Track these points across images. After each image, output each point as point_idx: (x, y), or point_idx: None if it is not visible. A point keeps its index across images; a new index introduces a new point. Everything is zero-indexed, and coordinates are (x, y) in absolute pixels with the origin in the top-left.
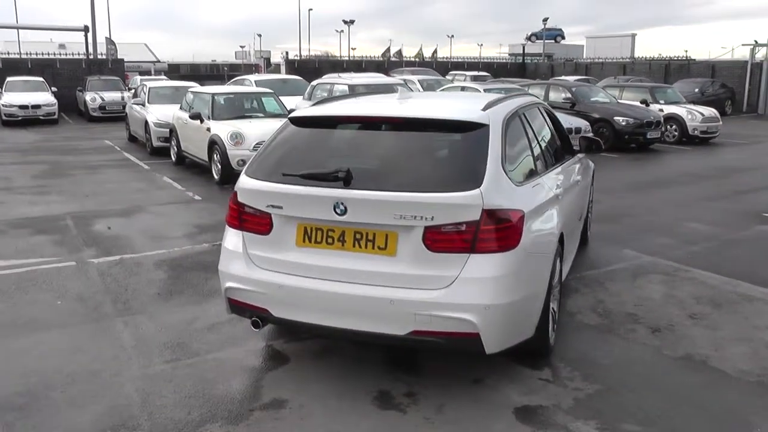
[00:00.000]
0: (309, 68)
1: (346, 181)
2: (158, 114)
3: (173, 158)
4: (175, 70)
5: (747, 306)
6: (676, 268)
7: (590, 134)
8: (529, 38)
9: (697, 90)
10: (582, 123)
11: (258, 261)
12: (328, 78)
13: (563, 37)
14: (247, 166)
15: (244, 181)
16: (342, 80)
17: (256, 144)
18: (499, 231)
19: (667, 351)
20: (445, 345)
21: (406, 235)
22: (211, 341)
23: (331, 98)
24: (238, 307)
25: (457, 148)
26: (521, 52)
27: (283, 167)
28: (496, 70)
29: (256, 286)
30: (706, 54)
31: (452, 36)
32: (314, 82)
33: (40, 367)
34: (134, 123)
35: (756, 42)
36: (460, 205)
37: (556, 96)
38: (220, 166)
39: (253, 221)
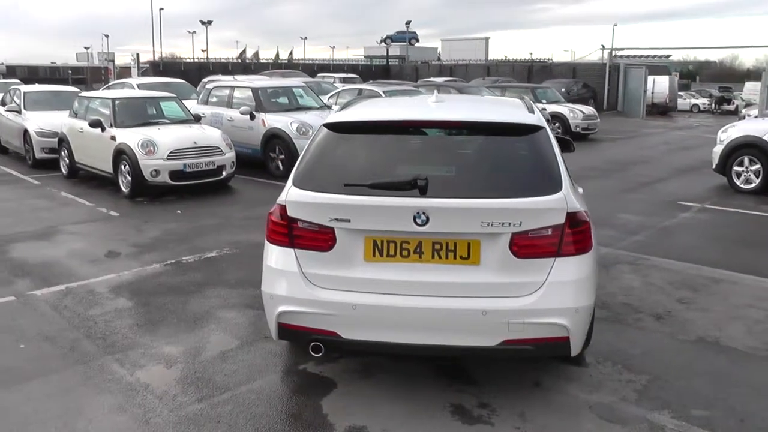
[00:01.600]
0: (174, 71)
1: (422, 190)
2: (40, 122)
3: (64, 171)
4: (11, 73)
5: (718, 287)
6: (635, 257)
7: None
8: (384, 41)
9: (563, 90)
10: None
11: (318, 281)
12: (226, 81)
13: (417, 40)
14: (293, 177)
15: (296, 194)
16: (243, 84)
17: (171, 153)
18: (579, 234)
19: (681, 336)
20: (533, 352)
21: (491, 242)
22: (233, 372)
23: (353, 102)
24: (292, 332)
25: (526, 151)
26: (377, 54)
27: (341, 177)
28: (361, 72)
29: (322, 308)
30: (548, 56)
31: (306, 38)
32: (210, 86)
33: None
34: (7, 132)
35: (603, 46)
36: (548, 209)
37: None
38: (129, 178)
39: (310, 237)
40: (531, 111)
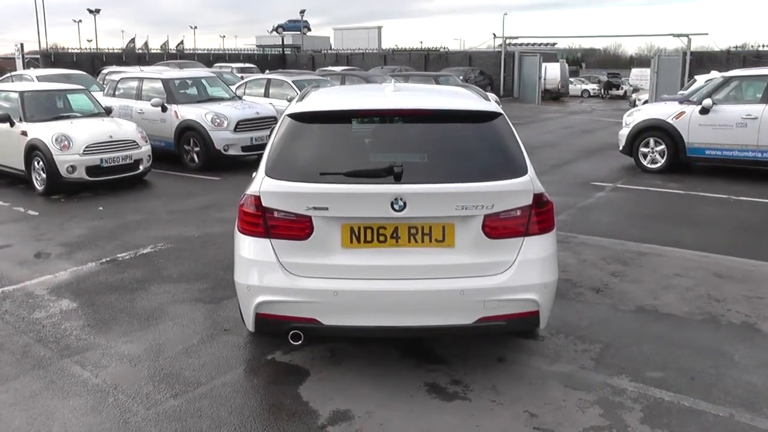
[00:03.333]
0: (66, 62)
1: (398, 177)
2: None
3: None
4: None
5: (646, 260)
6: (563, 236)
7: None
8: (276, 30)
9: (461, 77)
10: None
11: (296, 269)
12: (132, 72)
13: (309, 29)
14: (265, 167)
15: (270, 184)
16: (152, 74)
17: (86, 148)
18: (543, 214)
19: (622, 306)
20: (506, 327)
21: (464, 225)
22: (201, 367)
23: (308, 92)
24: (270, 322)
25: (491, 137)
26: (269, 44)
27: (315, 166)
28: (257, 61)
29: (303, 296)
30: (438, 44)
31: (195, 27)
32: (115, 77)
33: None
34: None
35: (495, 35)
36: (517, 191)
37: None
38: (44, 175)
39: (287, 226)
40: (486, 99)
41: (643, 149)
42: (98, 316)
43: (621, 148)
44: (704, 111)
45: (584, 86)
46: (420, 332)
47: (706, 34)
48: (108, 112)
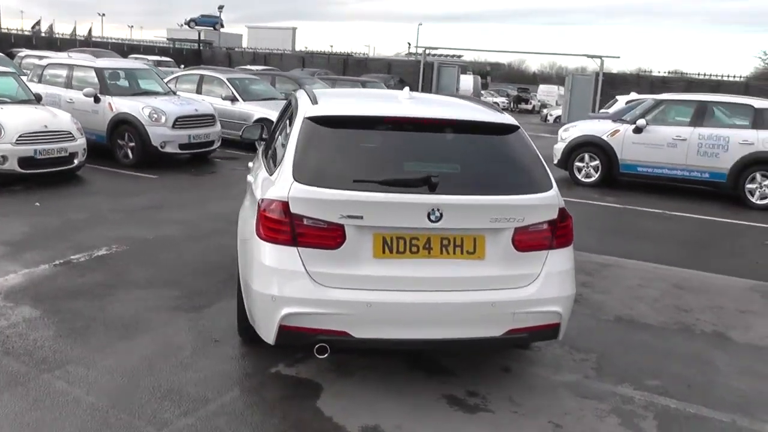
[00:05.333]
0: None
1: (433, 187)
2: None
3: None
4: None
5: (608, 271)
6: None
7: None
8: (188, 23)
9: (382, 85)
10: None
11: (325, 280)
12: (61, 58)
13: (222, 25)
14: (292, 171)
15: (300, 189)
16: (84, 62)
17: (20, 137)
18: (566, 228)
19: (602, 316)
20: (529, 338)
21: (495, 237)
22: (202, 381)
23: (322, 94)
24: (296, 335)
25: (515, 149)
26: (180, 37)
27: (346, 172)
28: (172, 55)
29: (333, 308)
30: (348, 49)
31: (103, 14)
32: (43, 62)
33: None
34: None
35: (410, 44)
36: (546, 205)
37: (284, 87)
38: None
39: (317, 234)
40: (501, 112)
41: (578, 163)
42: (69, 326)
43: (556, 161)
44: (638, 130)
45: (494, 99)
46: (449, 345)
47: (618, 57)
48: (38, 99)
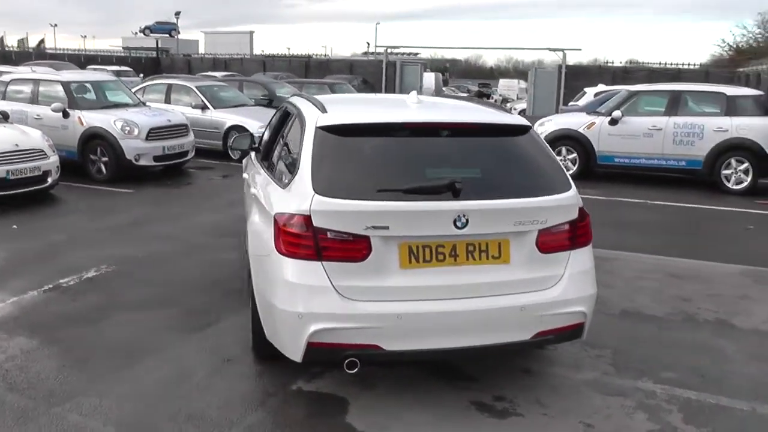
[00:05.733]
0: None
1: (456, 193)
2: None
3: None
4: None
5: (608, 265)
6: None
7: None
8: (143, 31)
9: (350, 86)
10: None
11: (353, 293)
12: (24, 73)
13: (178, 31)
14: (312, 183)
15: (323, 202)
16: (50, 76)
17: None
18: (585, 227)
19: (608, 311)
20: (555, 339)
21: (519, 240)
22: (224, 403)
23: (328, 102)
24: (325, 351)
25: (530, 150)
26: (136, 46)
27: (368, 182)
28: (131, 64)
29: (364, 322)
30: (306, 50)
31: (56, 25)
32: (5, 78)
33: None
34: None
35: (368, 43)
36: (567, 206)
37: (252, 93)
38: None
39: (342, 247)
40: (509, 112)
41: None
42: (70, 355)
43: None
44: (613, 122)
45: (456, 94)
46: (480, 351)
47: (580, 49)
48: (5, 117)
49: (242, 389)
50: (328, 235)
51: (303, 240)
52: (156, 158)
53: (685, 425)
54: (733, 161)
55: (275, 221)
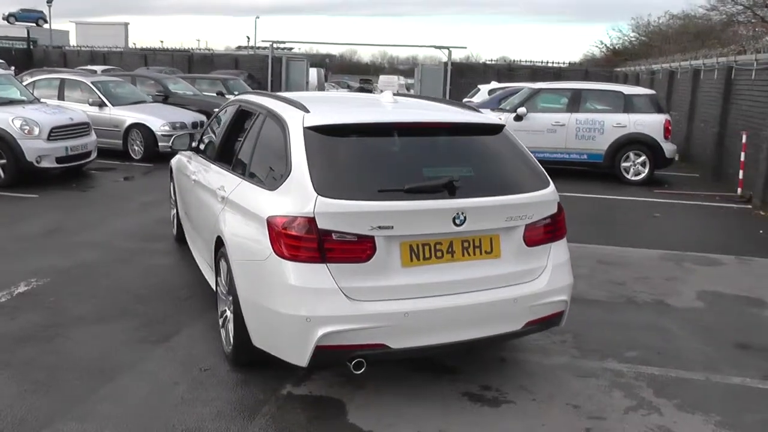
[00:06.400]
0: None
1: (452, 191)
2: None
3: None
4: None
5: None
6: None
7: None
8: (6, 18)
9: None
10: (200, 116)
11: (358, 294)
12: None
13: (45, 20)
14: (315, 185)
15: (328, 203)
16: None
17: None
18: (562, 221)
19: None
20: (539, 328)
21: (508, 235)
22: (217, 415)
23: (309, 101)
24: (332, 353)
25: (508, 148)
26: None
27: (367, 182)
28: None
29: (371, 322)
30: (178, 44)
31: None
32: None
33: None
34: None
35: (248, 38)
36: (549, 201)
37: (145, 89)
38: None
39: (347, 249)
40: (478, 111)
41: None
42: (30, 378)
43: None
44: (518, 118)
45: (337, 90)
46: (477, 344)
47: (465, 47)
48: None
49: (231, 398)
50: (333, 236)
51: (307, 243)
52: (59, 159)
53: (657, 399)
54: (631, 154)
55: (270, 224)
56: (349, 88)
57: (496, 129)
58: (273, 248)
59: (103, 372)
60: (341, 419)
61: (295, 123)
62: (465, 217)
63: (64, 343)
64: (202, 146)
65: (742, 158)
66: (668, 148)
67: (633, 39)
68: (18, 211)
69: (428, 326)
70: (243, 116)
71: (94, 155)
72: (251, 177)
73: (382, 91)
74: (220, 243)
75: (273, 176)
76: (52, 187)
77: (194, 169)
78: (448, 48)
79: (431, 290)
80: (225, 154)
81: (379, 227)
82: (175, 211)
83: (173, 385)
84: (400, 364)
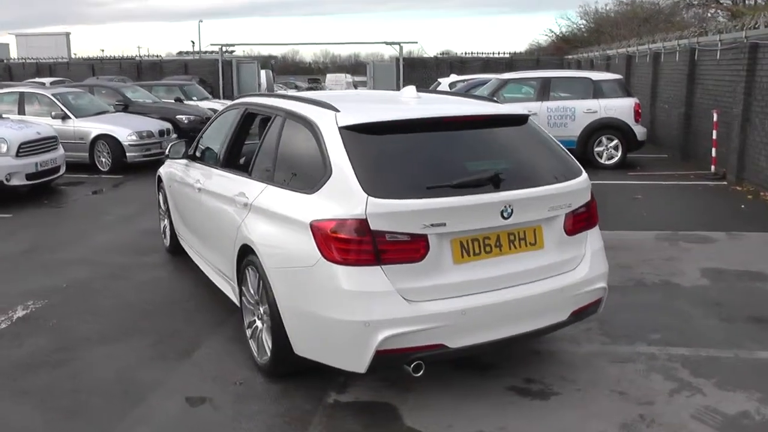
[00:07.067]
0: None
1: (497, 184)
2: None
3: None
4: None
5: None
6: None
7: None
8: None
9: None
10: (166, 124)
11: (415, 295)
12: None
13: None
14: (364, 186)
15: (379, 204)
16: None
17: None
18: (595, 207)
19: None
20: (580, 317)
21: (549, 225)
22: (263, 430)
23: (337, 100)
24: (391, 358)
25: (539, 138)
26: None
27: (414, 179)
28: None
29: (430, 322)
30: (119, 52)
31: None
32: None
33: None
34: None
35: (193, 42)
36: (584, 189)
37: (105, 99)
38: None
39: (401, 249)
40: (500, 102)
41: None
42: (54, 405)
43: None
44: None
45: (285, 91)
46: (528, 337)
47: (416, 42)
48: None
49: (277, 411)
50: (386, 237)
51: (360, 245)
52: (28, 176)
53: (696, 379)
54: (603, 139)
55: (316, 229)
56: (297, 88)
57: (523, 119)
58: (322, 253)
59: (128, 393)
60: (398, 423)
61: (328, 123)
62: (512, 210)
63: (78, 366)
64: (198, 153)
65: (714, 136)
66: (639, 131)
67: (581, 26)
68: None
69: (484, 323)
70: (253, 120)
71: (63, 170)
72: (278, 181)
73: (331, 90)
74: (245, 251)
75: (307, 179)
76: (23, 206)
77: (197, 176)
78: (399, 44)
79: (484, 286)
80: (236, 160)
81: (432, 225)
82: (165, 222)
83: (208, 401)
84: (440, 364)
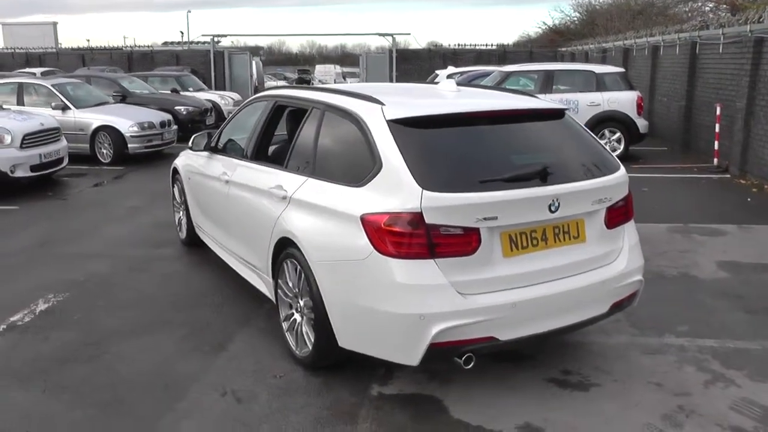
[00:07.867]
0: None
1: (545, 178)
2: None
3: None
4: None
5: None
6: None
7: None
8: None
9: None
10: (166, 115)
11: (468, 288)
12: None
13: None
14: (418, 179)
15: (434, 197)
16: None
17: None
18: (631, 201)
19: None
20: (617, 310)
21: (591, 219)
22: (316, 422)
23: (383, 94)
24: (443, 350)
25: (575, 132)
26: None
27: (466, 173)
28: None
29: (481, 315)
30: (105, 42)
31: None
32: None
33: None
34: None
35: (182, 32)
36: (623, 182)
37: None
38: None
39: (454, 242)
40: (536, 96)
41: None
42: (94, 400)
43: None
44: None
45: (272, 82)
46: (571, 329)
47: (409, 33)
48: None
49: (323, 404)
50: (441, 231)
51: (415, 239)
52: (33, 168)
53: (728, 371)
54: (606, 132)
55: (368, 222)
56: (287, 79)
57: (561, 113)
58: (375, 246)
59: (169, 387)
60: (446, 415)
61: (375, 117)
62: (559, 204)
63: (111, 360)
64: (221, 145)
65: (717, 129)
66: (641, 123)
67: (575, 19)
68: (2, 225)
69: (532, 315)
70: (282, 112)
71: (65, 161)
72: (321, 174)
73: (320, 81)
74: (284, 244)
75: (354, 172)
76: (29, 198)
77: (223, 169)
78: (392, 35)
79: (532, 279)
80: (269, 152)
81: (485, 218)
82: (181, 214)
83: (252, 395)
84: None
